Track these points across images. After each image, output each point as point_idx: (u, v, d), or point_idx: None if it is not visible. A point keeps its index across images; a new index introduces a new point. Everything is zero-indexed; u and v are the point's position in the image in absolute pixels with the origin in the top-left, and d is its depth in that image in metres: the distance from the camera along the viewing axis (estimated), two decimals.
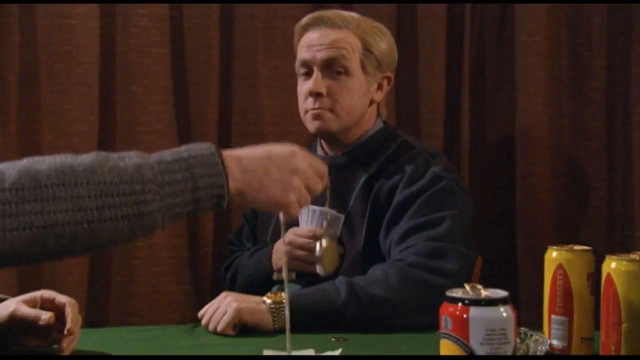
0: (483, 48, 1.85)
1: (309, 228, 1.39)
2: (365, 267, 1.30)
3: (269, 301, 1.16)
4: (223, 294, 1.20)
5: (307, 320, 1.14)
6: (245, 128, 1.82)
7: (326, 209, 1.38)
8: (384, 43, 1.46)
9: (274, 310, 1.15)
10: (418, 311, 1.16)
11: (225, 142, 1.82)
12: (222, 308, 1.16)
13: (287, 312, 1.00)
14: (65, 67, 1.72)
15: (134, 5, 1.75)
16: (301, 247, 1.38)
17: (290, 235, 1.40)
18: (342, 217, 1.39)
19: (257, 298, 1.17)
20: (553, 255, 0.98)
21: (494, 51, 1.85)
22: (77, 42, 1.72)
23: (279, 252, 1.42)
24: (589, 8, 1.78)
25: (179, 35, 1.79)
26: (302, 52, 1.43)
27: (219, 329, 1.14)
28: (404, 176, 1.36)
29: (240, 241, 1.62)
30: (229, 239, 1.65)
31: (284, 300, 1.14)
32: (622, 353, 0.90)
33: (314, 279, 1.34)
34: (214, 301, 1.19)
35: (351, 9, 1.63)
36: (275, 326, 1.14)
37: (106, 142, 1.77)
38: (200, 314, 1.20)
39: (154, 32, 1.76)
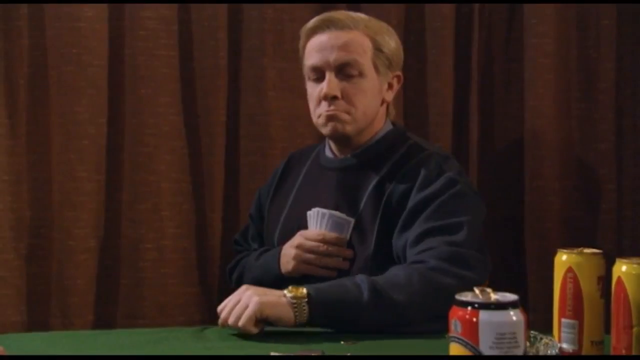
0: (491, 50, 1.84)
1: (318, 231, 1.37)
2: (376, 271, 1.27)
3: (289, 295, 1.12)
4: (243, 287, 1.15)
5: (326, 316, 1.12)
6: (253, 130, 1.82)
7: (336, 212, 1.38)
8: (393, 41, 1.44)
9: (295, 304, 1.11)
10: (437, 317, 1.12)
11: (233, 144, 1.83)
12: (244, 302, 1.11)
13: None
14: (74, 70, 1.72)
15: (143, 8, 1.75)
16: (310, 251, 1.37)
17: (299, 238, 1.39)
18: (352, 220, 1.37)
19: (277, 292, 1.14)
20: (563, 258, 0.98)
21: (502, 53, 1.84)
22: (85, 45, 1.73)
23: (287, 255, 1.41)
24: (597, 10, 1.78)
25: (187, 38, 1.80)
26: (313, 56, 1.39)
27: (240, 323, 1.10)
28: (417, 179, 1.34)
29: (246, 241, 1.61)
30: (235, 239, 1.65)
31: (305, 295, 1.12)
32: None
33: (323, 282, 1.33)
34: (233, 295, 1.15)
35: (359, 10, 1.62)
36: (297, 320, 1.11)
37: (114, 144, 1.77)
38: (219, 308, 1.16)
39: (163, 34, 1.77)
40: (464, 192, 1.34)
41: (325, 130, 1.41)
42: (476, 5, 1.81)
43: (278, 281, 1.41)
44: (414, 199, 1.32)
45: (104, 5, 1.74)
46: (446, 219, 1.28)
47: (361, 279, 1.18)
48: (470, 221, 1.29)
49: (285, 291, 1.13)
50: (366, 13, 1.63)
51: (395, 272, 1.22)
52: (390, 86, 1.45)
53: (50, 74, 1.73)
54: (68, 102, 1.73)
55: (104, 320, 1.75)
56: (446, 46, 1.82)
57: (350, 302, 1.14)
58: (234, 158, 1.83)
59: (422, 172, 1.34)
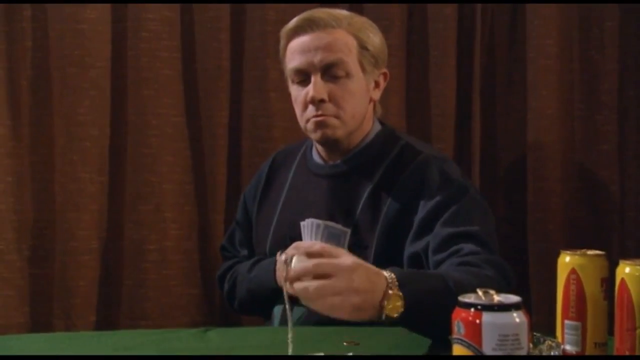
0: (494, 51, 1.84)
1: (314, 244, 1.27)
2: None
3: (385, 311, 0.97)
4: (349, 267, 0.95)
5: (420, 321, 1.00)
6: (256, 132, 1.82)
7: (330, 223, 1.29)
8: (377, 38, 1.36)
9: (385, 319, 0.97)
10: None
11: (235, 146, 1.83)
12: (339, 296, 0.94)
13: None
14: (77, 71, 1.73)
15: (145, 9, 1.76)
16: None
17: (293, 252, 1.33)
18: (348, 231, 1.30)
19: (374, 300, 0.96)
20: (566, 260, 0.97)
21: (505, 54, 1.84)
22: (88, 46, 1.73)
23: (283, 269, 1.35)
24: (600, 11, 1.78)
25: (190, 40, 1.80)
26: (295, 58, 1.32)
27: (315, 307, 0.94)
28: (422, 187, 1.28)
29: (234, 247, 1.56)
30: (222, 245, 1.60)
31: (400, 313, 0.98)
32: None
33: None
34: (336, 264, 0.95)
35: (361, 10, 1.62)
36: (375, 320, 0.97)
37: (117, 146, 1.78)
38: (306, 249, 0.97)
39: (165, 36, 1.77)
40: (477, 198, 1.31)
41: (314, 137, 1.35)
42: (478, 6, 1.81)
43: (274, 294, 1.36)
44: (424, 207, 1.26)
45: (107, 7, 1.75)
46: (467, 226, 1.23)
47: (445, 277, 1.06)
48: (491, 228, 1.28)
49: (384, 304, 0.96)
50: (368, 13, 1.63)
51: (466, 276, 1.10)
52: (377, 84, 1.38)
53: (53, 76, 1.73)
54: (71, 103, 1.73)
55: (106, 322, 1.75)
56: (448, 47, 1.82)
57: (440, 304, 0.96)
58: (237, 159, 1.83)
59: (426, 179, 1.29)
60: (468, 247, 1.20)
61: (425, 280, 1.06)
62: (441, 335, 0.96)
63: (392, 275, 0.99)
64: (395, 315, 0.98)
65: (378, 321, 0.98)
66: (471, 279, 1.10)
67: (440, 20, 1.82)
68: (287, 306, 0.98)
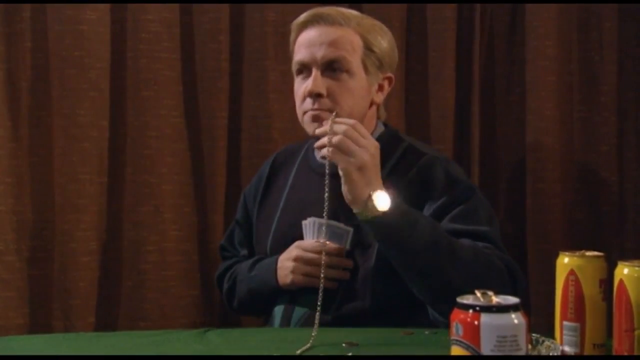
0: (493, 52, 1.84)
1: (317, 243, 1.31)
2: (379, 281, 1.24)
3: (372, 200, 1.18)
4: (366, 153, 1.20)
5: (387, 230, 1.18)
6: (255, 133, 1.82)
7: (333, 222, 1.30)
8: (385, 42, 1.38)
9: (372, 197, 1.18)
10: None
11: (235, 147, 1.83)
12: (359, 154, 1.20)
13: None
14: (76, 72, 1.73)
15: (145, 10, 1.76)
16: (310, 263, 1.30)
17: (296, 250, 1.33)
18: (351, 230, 1.30)
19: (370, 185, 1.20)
20: (565, 261, 0.98)
21: (504, 55, 1.84)
22: (88, 47, 1.73)
23: (285, 268, 1.34)
24: (599, 12, 1.78)
25: (190, 41, 1.80)
26: (301, 52, 1.34)
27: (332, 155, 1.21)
28: (428, 188, 1.30)
29: (233, 247, 1.55)
30: (221, 244, 1.60)
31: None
32: None
33: (323, 295, 1.28)
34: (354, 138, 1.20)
35: (360, 11, 1.61)
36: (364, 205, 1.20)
37: (116, 147, 1.78)
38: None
39: (165, 37, 1.77)
40: (483, 199, 1.32)
41: (309, 130, 1.34)
42: (478, 7, 1.81)
43: (275, 293, 1.37)
44: (430, 207, 1.28)
45: (106, 8, 1.75)
46: (477, 225, 1.25)
47: (440, 229, 1.21)
48: (498, 230, 1.29)
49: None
50: (367, 13, 1.62)
51: (470, 244, 1.21)
52: (380, 87, 1.39)
53: (53, 77, 1.73)
54: (70, 104, 1.73)
55: (105, 323, 1.75)
56: (448, 48, 1.82)
57: (410, 239, 1.18)
58: (236, 160, 1.83)
59: (431, 180, 1.30)
60: (482, 244, 1.23)
61: (416, 219, 1.21)
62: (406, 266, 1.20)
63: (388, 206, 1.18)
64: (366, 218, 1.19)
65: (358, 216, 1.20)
66: (473, 253, 1.18)
67: (439, 22, 1.82)
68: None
